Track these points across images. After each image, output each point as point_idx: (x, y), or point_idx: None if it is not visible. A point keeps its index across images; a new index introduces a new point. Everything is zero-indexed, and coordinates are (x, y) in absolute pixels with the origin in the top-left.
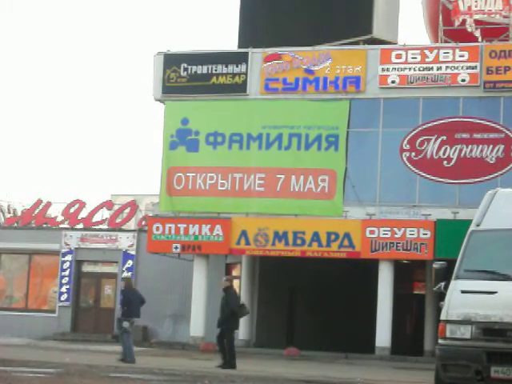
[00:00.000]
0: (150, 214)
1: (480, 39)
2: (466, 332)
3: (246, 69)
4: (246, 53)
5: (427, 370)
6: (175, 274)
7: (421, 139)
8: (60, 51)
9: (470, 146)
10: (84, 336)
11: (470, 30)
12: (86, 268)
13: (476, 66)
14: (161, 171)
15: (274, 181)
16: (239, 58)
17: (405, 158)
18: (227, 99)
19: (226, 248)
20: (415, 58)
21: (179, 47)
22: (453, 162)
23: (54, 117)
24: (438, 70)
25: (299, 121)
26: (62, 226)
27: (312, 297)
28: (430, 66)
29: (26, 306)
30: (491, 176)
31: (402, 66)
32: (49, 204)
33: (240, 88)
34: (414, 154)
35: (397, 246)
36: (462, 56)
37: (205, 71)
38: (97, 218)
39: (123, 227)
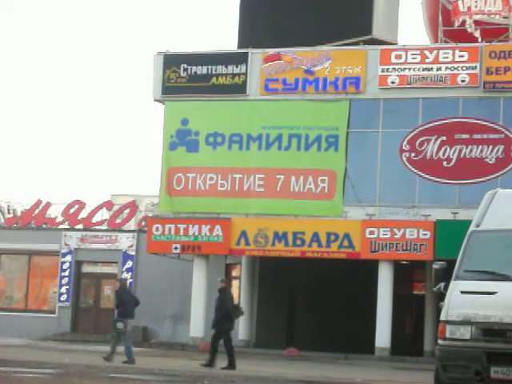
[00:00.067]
0: (150, 215)
1: (480, 40)
2: (465, 332)
3: (246, 69)
4: (246, 53)
5: (427, 370)
6: (175, 274)
7: (421, 140)
8: (60, 51)
9: (469, 146)
10: (84, 336)
11: (469, 30)
12: (86, 268)
13: (476, 67)
14: (161, 172)
15: (274, 181)
16: (239, 59)
17: (404, 159)
18: (227, 100)
19: (226, 248)
20: (415, 58)
21: (179, 47)
22: (453, 162)
23: (53, 117)
24: (437, 70)
25: (299, 121)
26: (61, 226)
27: (312, 297)
28: (430, 66)
29: (25, 306)
30: (491, 176)
31: (402, 66)
32: (48, 204)
33: (240, 88)
34: (413, 154)
35: (396, 247)
36: (462, 56)
37: (204, 72)
38: (97, 218)
39: (123, 228)
